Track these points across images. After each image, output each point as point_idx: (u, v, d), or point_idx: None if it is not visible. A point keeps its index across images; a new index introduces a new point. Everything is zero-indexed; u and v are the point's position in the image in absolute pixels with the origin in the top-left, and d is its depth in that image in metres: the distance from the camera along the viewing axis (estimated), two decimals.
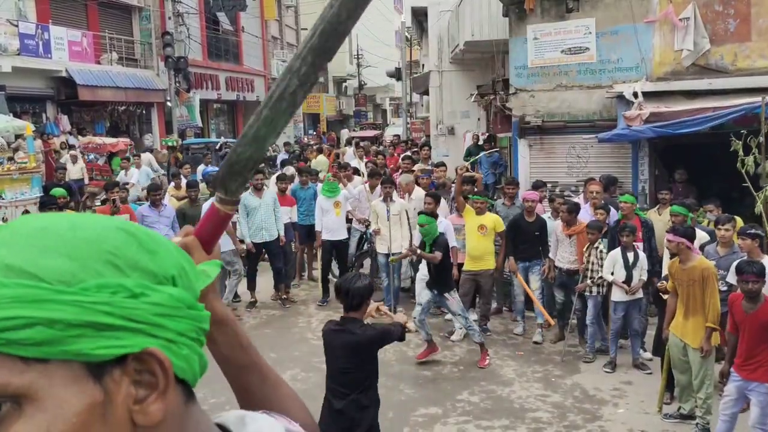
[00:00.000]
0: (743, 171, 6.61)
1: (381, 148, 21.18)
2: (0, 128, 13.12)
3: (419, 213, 7.50)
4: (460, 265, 8.34)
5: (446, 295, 6.98)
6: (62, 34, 19.44)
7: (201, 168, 14.58)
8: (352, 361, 4.17)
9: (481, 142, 15.22)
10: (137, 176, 13.08)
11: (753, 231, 5.94)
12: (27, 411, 0.58)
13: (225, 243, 8.11)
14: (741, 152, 6.77)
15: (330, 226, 9.21)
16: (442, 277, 7.04)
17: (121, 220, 0.70)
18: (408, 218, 8.66)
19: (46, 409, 0.59)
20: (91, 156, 16.63)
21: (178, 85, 23.57)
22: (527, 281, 7.98)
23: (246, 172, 0.94)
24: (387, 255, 8.60)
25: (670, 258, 6.01)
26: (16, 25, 17.73)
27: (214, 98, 27.88)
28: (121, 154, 15.51)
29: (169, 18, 23.17)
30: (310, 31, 0.90)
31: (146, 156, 16.64)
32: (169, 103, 23.57)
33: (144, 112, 23.70)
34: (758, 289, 4.74)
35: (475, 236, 7.75)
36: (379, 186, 9.13)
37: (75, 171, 13.68)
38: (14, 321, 0.58)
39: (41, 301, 0.59)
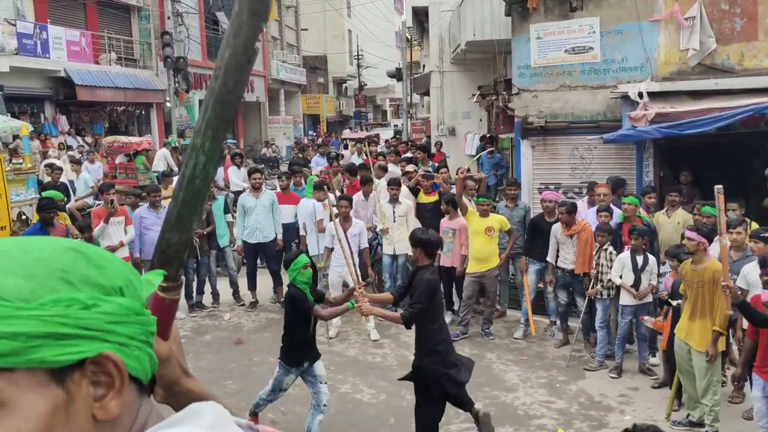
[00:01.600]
0: None
1: (383, 149, 21.12)
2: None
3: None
4: (449, 269, 8.23)
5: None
6: (61, 34, 19.33)
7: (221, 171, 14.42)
8: None
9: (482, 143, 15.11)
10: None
11: (765, 234, 5.80)
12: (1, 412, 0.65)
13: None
14: None
15: (328, 229, 8.99)
16: None
17: (69, 240, 0.77)
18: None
19: (15, 412, 0.66)
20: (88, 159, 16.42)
21: (177, 85, 23.44)
22: (538, 281, 7.93)
23: (180, 255, 0.96)
24: (392, 256, 8.56)
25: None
26: (14, 25, 17.60)
27: None
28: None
29: (169, 18, 23.04)
30: (203, 107, 0.91)
31: (162, 151, 16.63)
32: (168, 104, 23.44)
33: (143, 112, 23.56)
34: None
35: (482, 238, 7.64)
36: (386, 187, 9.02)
37: (76, 170, 13.54)
38: None
39: (4, 318, 0.66)
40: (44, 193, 8.19)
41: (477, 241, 7.68)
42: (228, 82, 0.89)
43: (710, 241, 5.49)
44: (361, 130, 36.39)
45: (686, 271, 5.46)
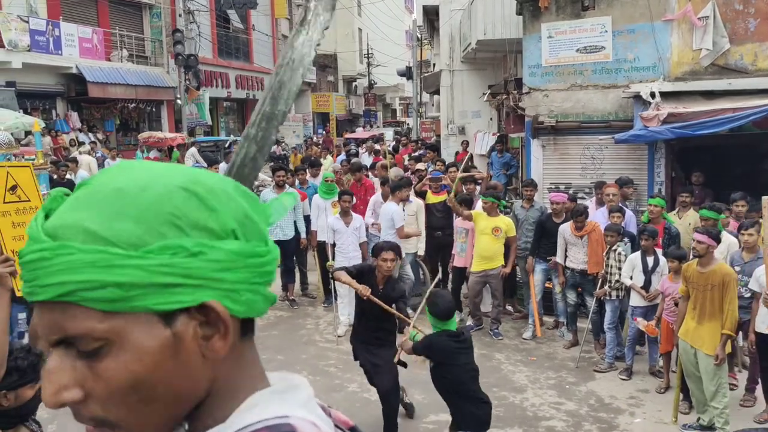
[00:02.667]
0: None
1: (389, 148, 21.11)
2: (9, 125, 13.08)
3: None
4: (461, 269, 8.23)
5: None
6: (73, 31, 19.42)
7: (223, 166, 14.51)
8: None
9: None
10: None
11: None
12: (113, 350, 0.69)
13: None
14: None
15: (326, 226, 8.91)
16: None
17: (184, 176, 0.74)
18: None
19: (126, 349, 0.69)
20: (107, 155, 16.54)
21: (188, 82, 23.51)
22: (544, 281, 7.91)
23: None
24: (413, 254, 8.60)
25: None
26: (27, 21, 17.70)
27: (223, 96, 27.83)
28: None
29: (180, 15, 23.09)
30: (261, 99, 0.95)
31: (191, 150, 17.14)
32: (179, 101, 23.51)
33: (154, 109, 23.66)
34: None
35: (489, 237, 7.62)
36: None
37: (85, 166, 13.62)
38: (89, 283, 0.67)
39: (112, 267, 0.67)
40: (53, 190, 8.26)
41: (483, 240, 7.66)
42: (285, 79, 0.93)
43: (718, 243, 5.44)
44: (371, 128, 36.40)
45: (691, 273, 5.41)
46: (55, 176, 10.72)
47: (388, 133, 33.23)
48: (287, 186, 9.22)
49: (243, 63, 29.26)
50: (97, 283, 0.67)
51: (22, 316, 6.27)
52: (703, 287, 5.34)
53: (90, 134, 20.09)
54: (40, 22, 18.29)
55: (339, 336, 7.67)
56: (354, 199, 8.58)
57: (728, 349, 5.37)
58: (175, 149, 18.14)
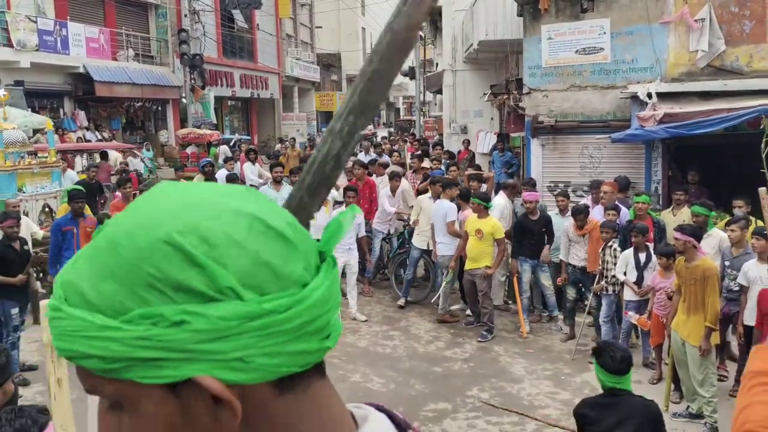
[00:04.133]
0: (764, 154, 6.48)
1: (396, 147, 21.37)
2: (18, 123, 13.34)
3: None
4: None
5: None
6: (80, 31, 19.66)
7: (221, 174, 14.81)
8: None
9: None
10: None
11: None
12: (126, 410, 0.65)
13: None
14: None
15: (319, 224, 9.13)
16: None
17: (172, 226, 0.63)
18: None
19: (135, 412, 0.65)
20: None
21: (193, 81, 23.76)
22: (536, 280, 8.10)
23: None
24: (424, 250, 8.81)
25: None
26: (35, 22, 17.95)
27: (228, 95, 28.07)
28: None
29: (185, 15, 23.35)
30: (350, 91, 0.86)
31: (223, 148, 18.34)
32: (184, 100, 23.76)
33: (159, 108, 23.92)
34: None
35: (473, 238, 7.83)
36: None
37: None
38: (76, 353, 0.63)
39: (91, 339, 0.62)
40: (67, 187, 8.50)
41: (470, 241, 7.88)
42: (381, 68, 0.84)
43: (698, 239, 5.66)
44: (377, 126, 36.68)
45: (680, 268, 5.65)
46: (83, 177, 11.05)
47: (381, 132, 33.56)
48: (284, 183, 9.48)
49: (247, 62, 29.49)
50: (82, 354, 0.63)
51: (15, 311, 6.42)
52: (689, 281, 5.57)
53: (96, 132, 20.36)
54: (47, 22, 18.53)
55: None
56: (356, 194, 8.89)
57: (716, 340, 5.59)
58: (213, 146, 19.08)
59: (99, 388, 0.65)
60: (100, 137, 19.91)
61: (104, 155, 15.22)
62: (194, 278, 0.61)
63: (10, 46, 17.05)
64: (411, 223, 9.05)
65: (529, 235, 7.99)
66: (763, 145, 6.29)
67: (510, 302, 8.85)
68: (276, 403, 0.66)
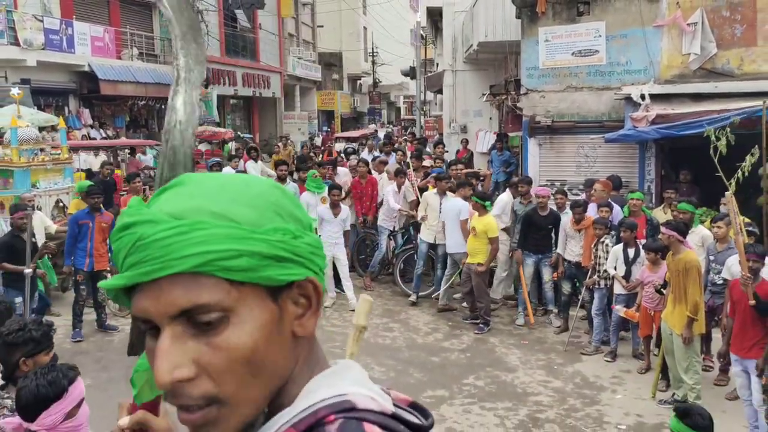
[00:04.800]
0: (716, 160, 6.79)
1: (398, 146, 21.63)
2: (26, 121, 13.62)
3: None
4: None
5: None
6: (85, 30, 19.90)
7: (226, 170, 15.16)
8: None
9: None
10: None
11: (750, 228, 6.25)
12: (233, 321, 0.76)
13: None
14: (713, 138, 7.01)
15: (320, 215, 9.19)
16: None
17: (273, 180, 0.90)
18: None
19: (245, 320, 0.76)
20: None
21: None
22: (539, 273, 8.37)
23: None
24: (431, 244, 9.06)
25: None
26: (42, 21, 18.21)
27: (230, 94, 28.32)
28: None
29: None
30: (158, 170, 1.03)
31: (232, 144, 18.98)
32: None
33: (163, 106, 24.16)
34: (758, 268, 5.13)
35: (471, 235, 8.15)
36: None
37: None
38: (228, 252, 0.75)
39: (244, 239, 0.76)
40: (78, 183, 8.80)
41: (469, 237, 8.19)
42: (179, 142, 1.01)
43: (683, 234, 5.96)
44: (378, 126, 36.96)
45: (669, 261, 5.95)
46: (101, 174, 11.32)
47: (380, 133, 33.71)
48: (288, 180, 9.76)
49: (249, 61, 29.75)
50: (234, 252, 0.75)
51: (19, 300, 6.65)
52: (675, 273, 5.88)
53: (101, 130, 20.63)
54: (54, 21, 18.79)
55: (326, 307, 8.59)
56: (342, 192, 9.33)
57: (700, 330, 5.88)
58: (227, 143, 19.87)
59: (217, 300, 0.75)
60: (104, 135, 20.19)
61: (133, 151, 15.79)
62: (299, 212, 0.84)
63: (17, 44, 17.31)
64: (419, 219, 9.27)
65: (534, 230, 8.22)
66: (711, 151, 6.62)
67: (507, 300, 9.13)
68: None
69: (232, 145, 19.26)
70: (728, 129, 7.36)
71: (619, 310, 6.99)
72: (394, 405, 0.86)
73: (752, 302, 5.25)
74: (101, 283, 0.82)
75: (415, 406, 0.92)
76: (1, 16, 17.42)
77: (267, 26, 30.71)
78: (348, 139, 24.67)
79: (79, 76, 19.90)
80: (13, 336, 2.96)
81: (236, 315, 0.76)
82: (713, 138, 6.99)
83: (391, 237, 10.15)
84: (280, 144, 22.44)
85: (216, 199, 0.78)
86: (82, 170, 12.26)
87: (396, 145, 16.41)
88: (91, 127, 20.37)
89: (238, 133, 25.47)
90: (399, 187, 9.93)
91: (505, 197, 9.18)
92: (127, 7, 22.65)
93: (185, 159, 1.02)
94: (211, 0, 25.62)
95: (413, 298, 9.13)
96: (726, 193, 5.46)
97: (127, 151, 16.05)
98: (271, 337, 0.79)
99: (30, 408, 2.45)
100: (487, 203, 8.22)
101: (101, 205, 7.64)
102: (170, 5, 1.25)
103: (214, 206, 0.77)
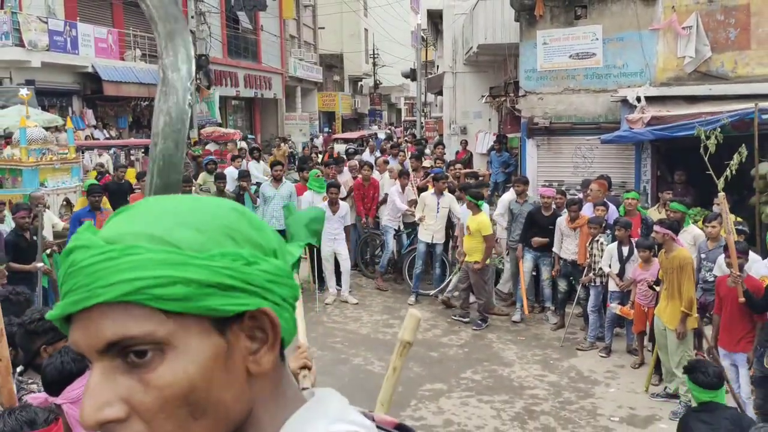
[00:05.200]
0: (705, 158, 6.98)
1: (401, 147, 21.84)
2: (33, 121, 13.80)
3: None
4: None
5: None
6: (89, 31, 20.07)
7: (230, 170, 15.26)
8: None
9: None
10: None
11: (739, 227, 6.44)
12: (168, 356, 0.70)
13: None
14: (703, 137, 7.21)
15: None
16: None
17: (232, 201, 0.81)
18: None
19: (182, 354, 0.70)
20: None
21: (198, 81, 24.21)
22: (538, 271, 8.56)
23: None
24: (429, 244, 9.23)
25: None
26: (46, 22, 18.40)
27: (232, 95, 28.53)
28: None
29: (192, 17, 23.81)
30: (148, 176, 0.97)
31: (242, 143, 19.29)
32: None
33: None
34: (741, 263, 5.33)
35: (466, 235, 8.36)
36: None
37: None
38: (161, 279, 0.69)
39: (181, 264, 0.70)
40: (86, 182, 9.00)
41: (465, 236, 8.40)
42: (169, 146, 0.94)
43: (676, 232, 6.15)
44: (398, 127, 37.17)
45: (662, 259, 6.14)
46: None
47: (380, 134, 33.80)
48: (284, 179, 9.96)
49: (251, 63, 29.95)
50: (168, 279, 0.69)
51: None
52: (669, 270, 6.06)
53: (104, 131, 20.83)
54: (58, 22, 18.98)
55: (327, 304, 8.87)
56: (341, 190, 9.59)
57: (694, 325, 6.07)
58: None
59: (148, 332, 0.69)
60: (107, 135, 20.38)
61: (147, 151, 16.09)
62: (258, 236, 0.78)
63: (22, 45, 17.51)
64: (417, 219, 9.42)
65: (537, 229, 8.40)
66: (701, 149, 6.80)
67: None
68: (281, 365, 0.81)
69: (240, 145, 19.63)
70: (718, 129, 7.55)
71: (614, 307, 7.18)
72: (380, 428, 0.83)
73: (742, 299, 5.43)
74: (47, 315, 0.77)
75: (401, 428, 0.87)
76: (6, 18, 17.64)
77: (268, 28, 30.91)
78: (347, 140, 24.86)
79: (82, 77, 20.07)
80: (34, 325, 3.14)
81: (173, 349, 0.70)
82: (703, 137, 7.18)
83: (396, 236, 10.31)
84: (273, 144, 22.76)
85: (160, 222, 0.73)
86: (96, 170, 12.51)
87: (399, 147, 16.69)
88: (95, 127, 20.57)
89: (245, 134, 25.69)
90: (403, 187, 10.07)
91: (507, 197, 9.36)
92: (130, 9, 22.81)
93: (177, 164, 0.95)
94: (214, 2, 25.81)
95: (412, 300, 9.27)
96: (719, 194, 5.64)
97: (141, 151, 16.24)
98: (216, 375, 0.72)
99: (55, 383, 2.63)
100: (480, 202, 8.36)
101: (104, 205, 7.83)
102: (152, 3, 1.18)
103: (156, 229, 0.72)
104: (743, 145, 7.21)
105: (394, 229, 10.16)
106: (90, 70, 19.72)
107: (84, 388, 0.71)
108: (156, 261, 0.70)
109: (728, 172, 6.76)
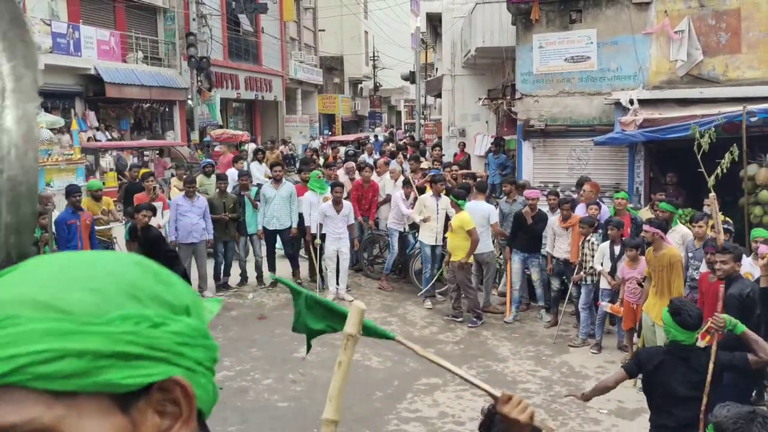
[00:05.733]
0: (699, 156, 7.14)
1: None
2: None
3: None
4: None
5: None
6: (92, 34, 20.31)
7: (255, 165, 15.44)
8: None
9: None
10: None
11: (726, 226, 6.65)
12: None
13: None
14: (697, 135, 7.37)
15: (323, 211, 9.56)
16: None
17: (136, 255, 0.73)
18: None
19: None
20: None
21: (200, 83, 24.44)
22: (528, 272, 8.76)
23: None
24: (433, 246, 9.33)
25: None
26: (50, 25, 18.64)
27: (233, 97, 28.75)
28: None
29: (193, 20, 24.04)
30: None
31: (250, 146, 19.98)
32: (190, 102, 24.46)
33: (167, 109, 24.61)
34: (716, 261, 5.53)
35: (449, 232, 8.61)
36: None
37: None
38: (45, 354, 0.59)
39: (71, 333, 0.60)
40: (90, 182, 9.22)
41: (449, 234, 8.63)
42: (15, 172, 0.79)
43: (665, 231, 6.36)
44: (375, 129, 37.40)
45: (650, 258, 6.34)
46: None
47: (379, 137, 33.81)
48: (284, 180, 10.16)
49: (252, 65, 30.19)
50: (55, 353, 0.60)
51: None
52: (658, 268, 6.27)
53: (106, 133, 21.05)
54: (61, 25, 19.20)
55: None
56: (344, 190, 9.77)
57: None
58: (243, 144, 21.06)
59: (29, 419, 0.59)
60: (109, 137, 20.60)
61: (161, 152, 16.40)
62: (166, 292, 0.69)
63: None
64: (419, 220, 9.45)
65: (523, 230, 8.60)
66: (695, 147, 6.98)
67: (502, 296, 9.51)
68: None
69: (249, 147, 19.95)
70: (712, 129, 7.72)
71: (605, 306, 7.39)
72: None
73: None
74: None
75: None
76: None
77: (269, 30, 31.14)
78: (342, 143, 25.03)
79: (85, 79, 20.29)
80: None
81: None
82: (697, 135, 7.35)
83: (402, 237, 10.35)
84: (267, 145, 22.96)
85: (48, 284, 0.64)
86: (114, 170, 12.82)
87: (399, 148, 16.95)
88: (97, 129, 20.80)
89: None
90: (407, 195, 10.14)
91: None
92: (132, 12, 23.08)
93: (29, 193, 0.82)
94: (215, 4, 26.05)
95: (429, 304, 9.29)
96: (710, 195, 5.82)
97: (156, 152, 16.57)
98: None
99: None
100: (462, 201, 8.54)
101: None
102: None
103: (42, 294, 0.63)
104: (734, 144, 7.37)
105: (399, 231, 10.22)
106: (92, 72, 19.93)
107: None
108: (40, 332, 0.60)
109: (719, 170, 6.94)
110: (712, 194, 6.09)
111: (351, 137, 27.76)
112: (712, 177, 6.89)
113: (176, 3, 24.33)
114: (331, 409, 1.53)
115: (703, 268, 6.59)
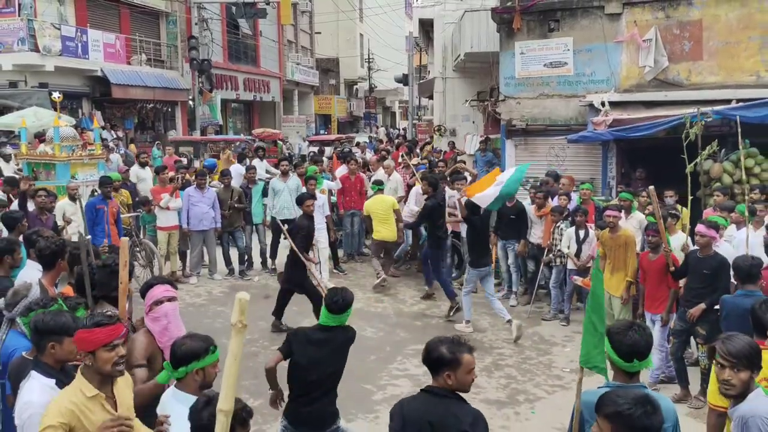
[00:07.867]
0: (684, 144, 8.08)
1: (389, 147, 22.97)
2: (45, 122, 14.86)
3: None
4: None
5: None
6: (98, 37, 21.23)
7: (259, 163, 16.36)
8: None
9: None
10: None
11: (673, 212, 7.64)
12: None
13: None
14: (687, 125, 8.35)
15: (320, 203, 10.14)
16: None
17: None
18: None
19: None
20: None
21: (201, 85, 25.37)
22: (506, 256, 9.71)
23: None
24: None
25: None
26: (59, 28, 19.55)
27: (232, 98, 29.68)
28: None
29: (195, 24, 24.95)
30: None
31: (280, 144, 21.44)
32: (191, 102, 25.38)
33: (169, 110, 25.53)
34: (656, 242, 6.48)
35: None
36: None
37: None
38: None
39: None
40: (110, 175, 10.15)
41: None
42: None
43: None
44: (371, 130, 38.33)
45: (605, 238, 7.33)
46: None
47: (363, 137, 33.58)
48: (290, 174, 11.10)
49: (251, 67, 31.14)
50: None
51: None
52: (614, 247, 7.25)
53: (112, 132, 21.94)
54: (70, 29, 20.12)
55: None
56: (317, 182, 10.46)
57: (633, 292, 7.25)
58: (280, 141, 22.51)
59: None
60: (115, 136, 21.48)
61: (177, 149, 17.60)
62: None
63: (37, 51, 18.65)
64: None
65: (502, 219, 9.54)
66: (683, 136, 7.92)
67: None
68: None
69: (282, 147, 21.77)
70: (702, 122, 8.64)
71: (577, 279, 8.34)
72: None
73: (672, 269, 6.60)
74: None
75: None
76: (22, 24, 18.76)
77: (267, 33, 32.09)
78: (321, 142, 24.81)
79: (92, 80, 21.21)
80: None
81: None
82: (687, 125, 8.32)
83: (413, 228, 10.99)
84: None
85: None
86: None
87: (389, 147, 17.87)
88: (103, 128, 21.68)
89: (242, 135, 26.81)
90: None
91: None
92: (137, 16, 24.01)
93: None
94: (216, 9, 26.99)
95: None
96: (649, 187, 6.79)
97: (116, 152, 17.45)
98: None
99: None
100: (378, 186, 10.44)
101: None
102: None
103: None
104: (716, 140, 8.29)
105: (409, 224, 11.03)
106: (99, 73, 20.87)
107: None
108: None
109: (700, 158, 7.90)
110: (651, 187, 7.05)
111: (332, 137, 27.83)
112: (691, 164, 7.90)
113: (178, 7, 25.27)
114: (223, 399, 1.62)
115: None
